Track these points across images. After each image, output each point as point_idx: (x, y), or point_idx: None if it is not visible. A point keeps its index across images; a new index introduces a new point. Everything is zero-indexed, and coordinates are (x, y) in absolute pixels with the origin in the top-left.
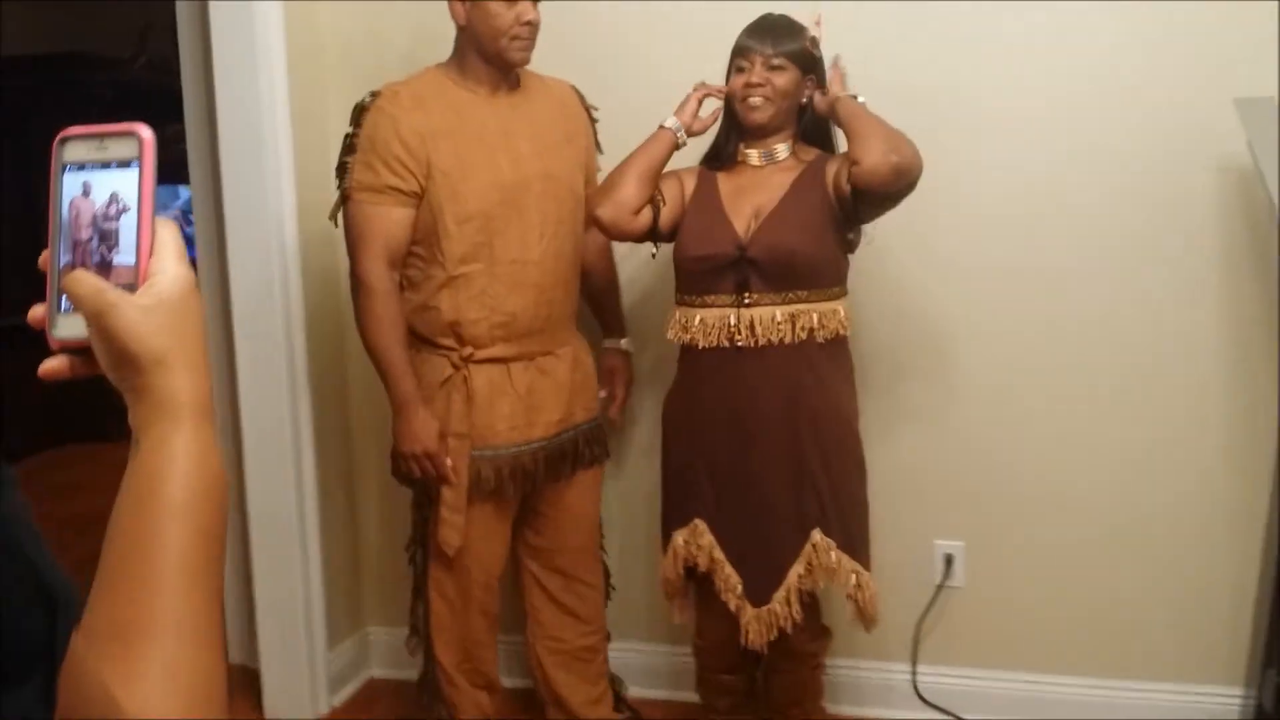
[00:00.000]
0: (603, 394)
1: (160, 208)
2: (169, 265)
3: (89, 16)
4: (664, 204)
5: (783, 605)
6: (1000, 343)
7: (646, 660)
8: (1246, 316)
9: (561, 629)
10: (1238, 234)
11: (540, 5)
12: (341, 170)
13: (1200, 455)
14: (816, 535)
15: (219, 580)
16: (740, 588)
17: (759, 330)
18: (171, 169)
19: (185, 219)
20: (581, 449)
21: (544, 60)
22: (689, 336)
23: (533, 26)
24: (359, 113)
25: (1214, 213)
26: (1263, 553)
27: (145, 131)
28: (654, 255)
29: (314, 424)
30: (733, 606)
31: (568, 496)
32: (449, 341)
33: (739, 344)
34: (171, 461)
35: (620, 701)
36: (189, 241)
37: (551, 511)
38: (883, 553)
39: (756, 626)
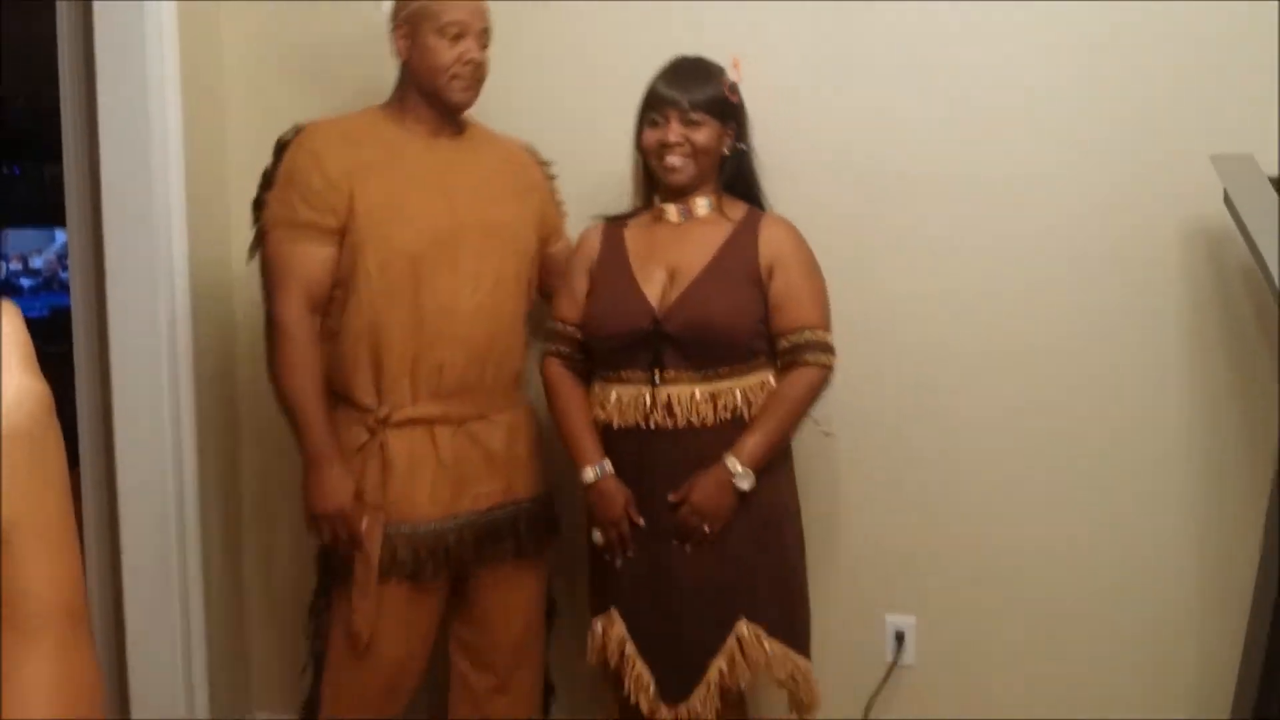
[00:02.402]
0: None
1: (35, 250)
2: (12, 378)
3: None
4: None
5: (702, 703)
6: (957, 412)
7: None
8: (1216, 389)
9: None
10: (1206, 297)
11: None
12: (258, 206)
13: (1169, 528)
14: (743, 627)
15: None
16: (653, 686)
17: (677, 411)
18: (49, 212)
19: (60, 264)
20: (523, 532)
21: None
22: (604, 415)
23: (475, 66)
24: (280, 147)
25: (1181, 276)
26: (1244, 651)
27: None
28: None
29: (199, 490)
30: (644, 708)
31: (506, 585)
32: (367, 399)
33: (655, 425)
34: (23, 701)
35: None
36: (62, 288)
37: (485, 601)
38: (830, 629)
39: None
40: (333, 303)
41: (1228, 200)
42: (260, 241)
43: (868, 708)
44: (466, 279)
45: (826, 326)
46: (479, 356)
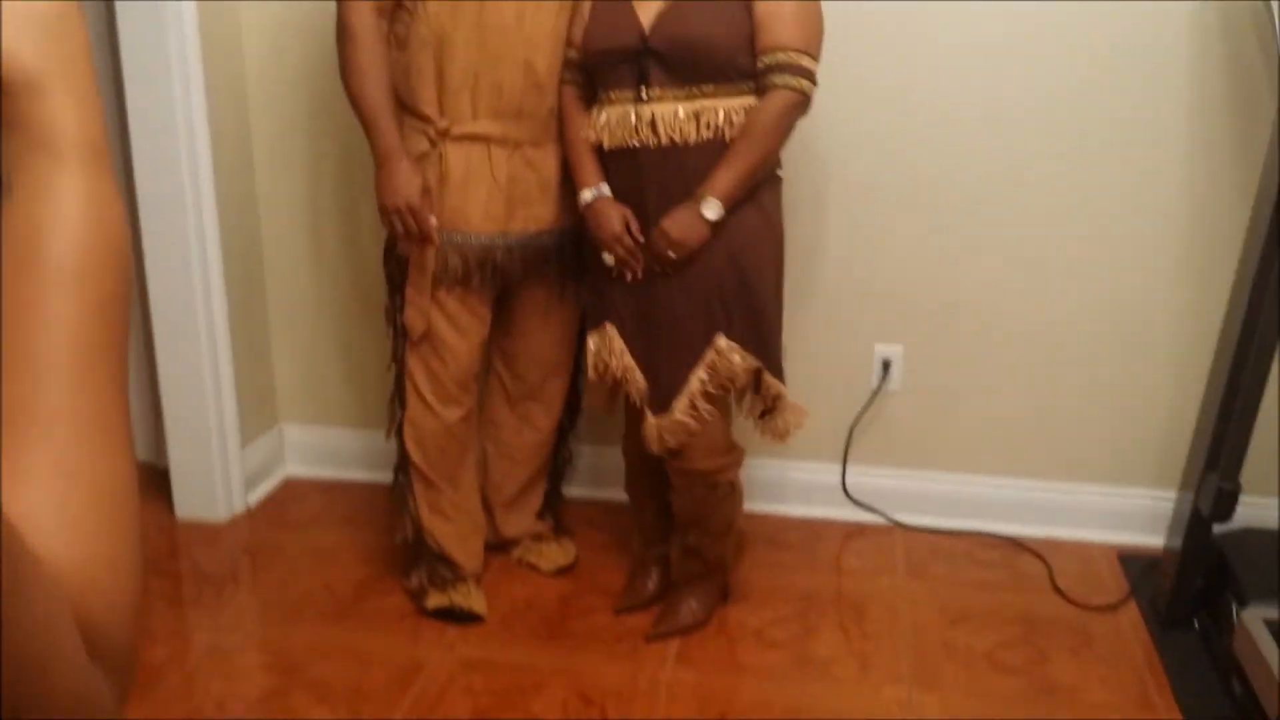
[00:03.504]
0: None
1: None
2: None
3: None
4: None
5: (683, 413)
6: (946, 145)
7: (594, 461)
8: (1211, 114)
9: (513, 433)
10: (1210, 25)
11: None
12: None
13: (1149, 257)
14: (720, 340)
15: (121, 362)
16: (647, 394)
17: (660, 129)
18: None
19: None
20: (567, 258)
21: None
22: (594, 135)
23: None
24: None
25: (1181, 9)
26: (1214, 358)
27: None
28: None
29: (217, 204)
30: (640, 408)
31: (545, 305)
32: (430, 110)
33: (640, 143)
34: (57, 213)
35: (551, 507)
36: None
37: (527, 316)
38: (821, 357)
39: (656, 434)
40: (403, 10)
41: None
42: None
43: (850, 429)
44: (531, 2)
45: (806, 49)
46: (537, 82)
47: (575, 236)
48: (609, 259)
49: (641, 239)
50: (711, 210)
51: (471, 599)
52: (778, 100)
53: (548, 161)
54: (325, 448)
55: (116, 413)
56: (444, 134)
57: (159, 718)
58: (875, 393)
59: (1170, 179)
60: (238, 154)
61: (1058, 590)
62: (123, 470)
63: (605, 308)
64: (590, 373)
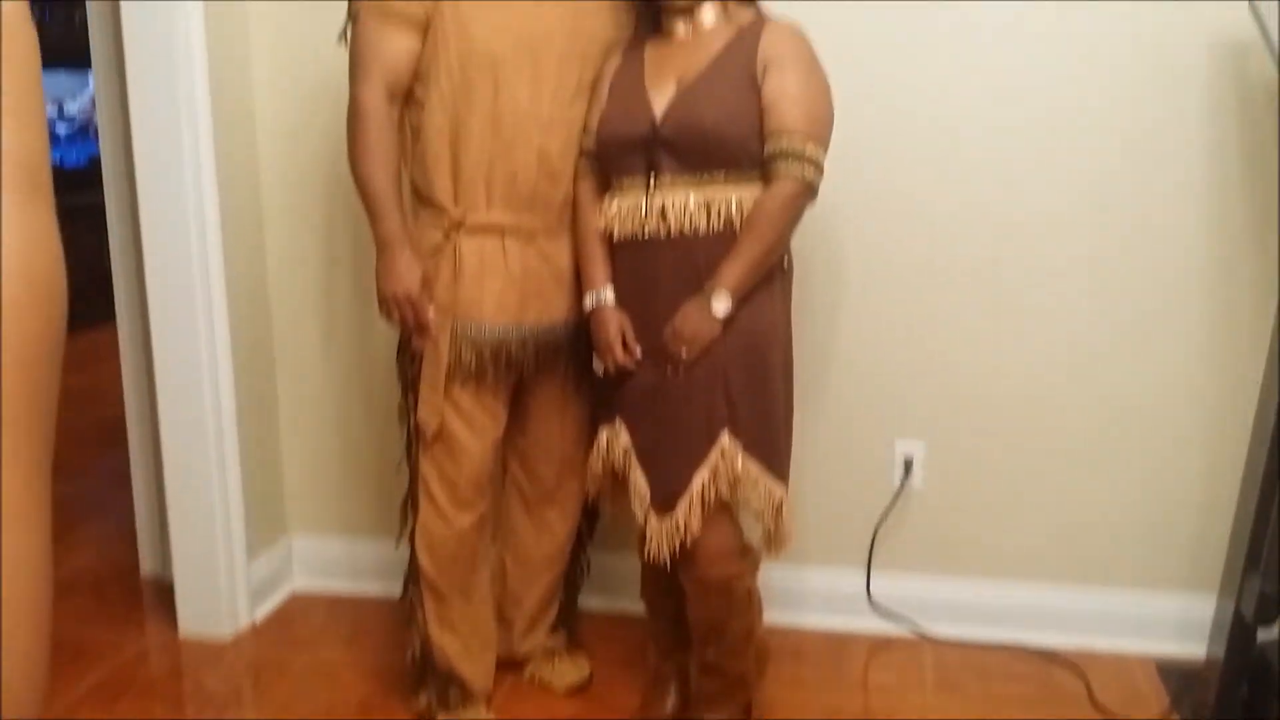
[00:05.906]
0: None
1: (69, 95)
2: None
3: None
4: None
5: (685, 515)
6: (969, 236)
7: (609, 569)
8: (1233, 205)
9: (530, 542)
10: (1229, 112)
11: None
12: None
13: (1177, 353)
14: (724, 438)
15: (47, 429)
16: (648, 496)
17: (670, 217)
18: (81, 56)
19: (95, 109)
20: (582, 350)
21: None
22: (603, 224)
23: None
24: None
25: (1204, 90)
26: (1248, 455)
27: None
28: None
29: (229, 312)
30: (639, 516)
31: (560, 400)
32: (445, 200)
33: (650, 234)
34: None
35: (565, 619)
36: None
37: (541, 412)
38: (840, 454)
39: (659, 539)
40: (416, 98)
41: (1253, 8)
42: (351, 25)
43: (874, 532)
44: (547, 87)
45: (813, 137)
46: (550, 170)
47: (589, 329)
48: (598, 367)
49: (637, 353)
50: (721, 304)
51: None
52: (783, 190)
53: (562, 254)
54: (334, 559)
55: (36, 492)
56: (458, 225)
57: None
58: (898, 493)
59: (1195, 276)
60: (250, 251)
61: (1096, 705)
62: (39, 553)
63: (617, 401)
64: (594, 466)
